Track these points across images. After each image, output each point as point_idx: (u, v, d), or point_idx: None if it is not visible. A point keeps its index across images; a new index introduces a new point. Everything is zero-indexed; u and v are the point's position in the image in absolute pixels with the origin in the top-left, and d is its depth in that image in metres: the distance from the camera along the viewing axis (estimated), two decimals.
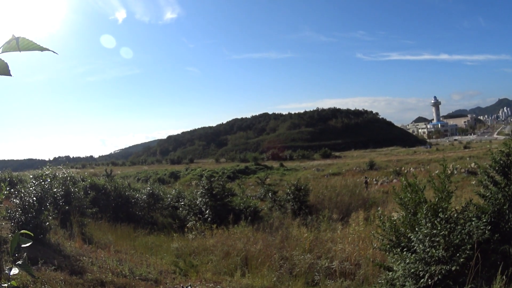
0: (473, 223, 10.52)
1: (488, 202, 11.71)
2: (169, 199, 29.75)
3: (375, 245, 13.32)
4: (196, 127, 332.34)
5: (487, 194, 11.91)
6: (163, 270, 14.04)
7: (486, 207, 11.51)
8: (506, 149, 12.23)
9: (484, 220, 10.72)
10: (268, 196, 30.36)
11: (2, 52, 1.70)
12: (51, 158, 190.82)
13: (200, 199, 25.70)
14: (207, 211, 24.63)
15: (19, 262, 2.15)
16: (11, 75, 1.74)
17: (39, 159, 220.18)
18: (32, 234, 2.24)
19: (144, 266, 14.00)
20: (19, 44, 1.69)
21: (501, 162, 12.08)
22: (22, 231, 2.21)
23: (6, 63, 1.73)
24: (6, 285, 2.33)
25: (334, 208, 25.43)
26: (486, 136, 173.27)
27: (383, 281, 11.38)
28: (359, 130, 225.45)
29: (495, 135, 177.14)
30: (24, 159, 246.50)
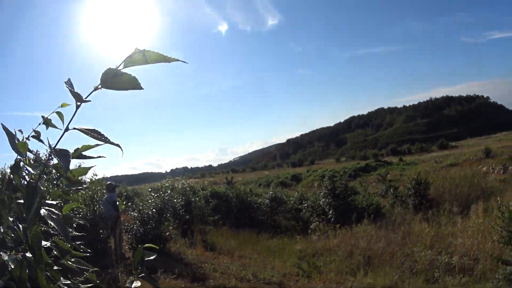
0: None
1: None
2: (292, 202, 29.84)
3: (494, 238, 13.18)
4: (315, 129, 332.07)
5: None
6: (286, 273, 14.38)
7: None
8: None
9: None
10: (389, 192, 30.18)
11: (124, 67, 1.74)
12: (168, 171, 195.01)
13: (323, 199, 25.82)
14: (330, 211, 24.71)
15: (142, 274, 2.29)
16: (142, 88, 1.81)
17: (155, 172, 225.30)
18: (156, 247, 2.37)
19: (267, 270, 14.41)
20: (147, 57, 1.73)
21: None
22: (146, 245, 2.34)
23: (135, 77, 1.77)
24: None
25: (453, 201, 24.96)
26: None
27: (500, 276, 10.91)
28: (473, 116, 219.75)
29: None
30: (139, 173, 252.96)
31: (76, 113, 1.85)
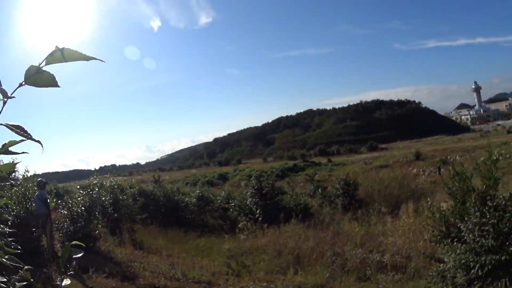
0: None
1: None
2: (219, 201, 29.71)
3: (426, 237, 13.45)
4: (242, 128, 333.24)
5: None
6: (215, 272, 14.30)
7: None
8: None
9: None
10: (317, 192, 30.33)
11: (46, 64, 1.75)
12: (97, 168, 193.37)
13: (250, 199, 25.70)
14: (258, 211, 24.52)
15: (71, 272, 2.16)
16: (59, 86, 1.81)
17: (84, 169, 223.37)
18: (83, 245, 2.27)
19: (196, 269, 14.30)
20: (64, 55, 1.75)
21: None
22: (73, 242, 2.23)
23: (53, 75, 1.78)
24: None
25: (383, 201, 25.32)
26: None
27: (434, 273, 11.32)
28: (403, 120, 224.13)
29: None
30: (69, 171, 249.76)
31: (3, 109, 1.86)
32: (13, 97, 1.78)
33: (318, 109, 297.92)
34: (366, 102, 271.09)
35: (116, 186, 22.57)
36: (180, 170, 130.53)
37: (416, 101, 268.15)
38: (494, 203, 10.43)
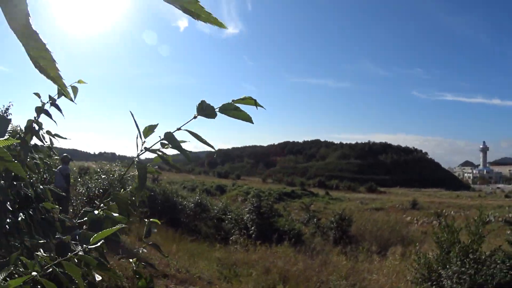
0: (497, 266, 11.53)
1: None
2: (216, 211, 30.05)
3: (408, 278, 14.31)
4: (247, 145, 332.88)
5: None
6: (212, 274, 14.91)
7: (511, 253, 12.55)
8: None
9: (508, 265, 11.70)
10: (312, 221, 30.76)
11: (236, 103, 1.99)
12: (96, 152, 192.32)
13: (247, 215, 26.11)
14: (253, 228, 25.04)
15: (150, 242, 2.56)
16: (253, 123, 2.06)
17: (83, 151, 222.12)
18: (159, 222, 2.65)
19: (197, 268, 14.90)
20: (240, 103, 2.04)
21: None
22: (151, 219, 2.63)
23: (249, 115, 2.04)
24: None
25: (373, 241, 25.59)
26: None
27: None
28: (407, 167, 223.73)
29: None
30: (69, 149, 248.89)
31: None
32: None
33: (325, 141, 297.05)
34: (374, 143, 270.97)
35: (129, 177, 23.14)
36: (179, 172, 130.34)
37: (423, 151, 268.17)
38: (475, 257, 11.60)
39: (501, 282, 11.46)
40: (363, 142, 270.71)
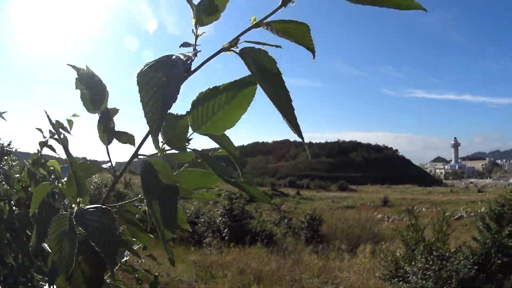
0: (461, 262, 12.27)
1: (478, 246, 13.37)
2: (188, 215, 29.61)
3: (377, 274, 14.90)
4: (214, 146, 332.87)
5: (479, 238, 13.59)
6: (189, 277, 15.27)
7: (476, 250, 13.16)
8: (501, 199, 13.93)
9: (471, 260, 12.52)
10: (283, 222, 31.06)
11: None
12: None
13: (220, 218, 26.50)
14: (226, 230, 25.41)
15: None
16: None
17: (48, 155, 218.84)
18: None
19: (176, 271, 15.26)
20: None
21: (496, 211, 13.72)
22: None
23: None
24: None
25: (344, 239, 25.96)
26: (502, 181, 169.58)
27: None
28: (378, 165, 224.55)
29: (510, 180, 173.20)
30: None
31: None
32: None
33: (295, 141, 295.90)
34: (344, 142, 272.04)
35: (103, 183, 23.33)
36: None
37: (394, 148, 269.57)
38: (439, 254, 12.33)
39: (465, 278, 12.12)
40: (333, 141, 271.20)
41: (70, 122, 2.59)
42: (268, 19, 1.15)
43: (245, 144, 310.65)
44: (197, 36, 1.24)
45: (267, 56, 1.14)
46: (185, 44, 1.19)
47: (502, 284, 12.37)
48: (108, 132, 1.34)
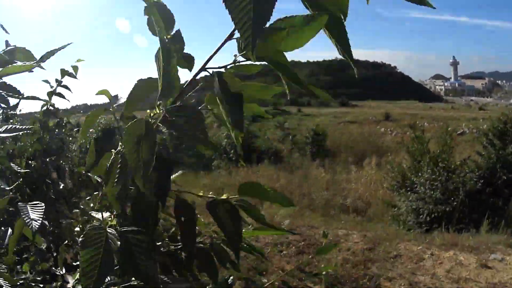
0: (467, 174, 12.85)
1: (483, 160, 13.72)
2: None
3: (385, 185, 15.35)
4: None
5: (484, 153, 13.92)
6: (201, 201, 15.70)
7: (481, 164, 13.56)
8: (504, 117, 14.24)
9: (477, 174, 13.10)
10: (287, 139, 31.45)
11: None
12: (69, 107, 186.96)
13: (226, 140, 25.98)
14: (232, 151, 25.26)
15: None
16: None
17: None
18: None
19: (188, 198, 15.65)
20: None
21: (499, 128, 14.03)
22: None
23: None
24: None
25: (349, 153, 26.72)
26: (502, 101, 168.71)
27: (390, 217, 13.73)
28: (377, 82, 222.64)
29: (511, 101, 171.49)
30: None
31: None
32: None
33: (292, 60, 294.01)
34: (341, 60, 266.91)
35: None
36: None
37: (392, 65, 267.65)
38: (445, 165, 12.74)
39: (472, 190, 12.55)
40: (331, 59, 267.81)
41: (75, 68, 2.67)
42: None
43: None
44: None
45: None
46: None
47: (509, 199, 12.73)
48: (180, 53, 1.42)
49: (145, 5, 1.31)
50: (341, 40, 1.24)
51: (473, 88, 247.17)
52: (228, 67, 1.36)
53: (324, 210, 15.36)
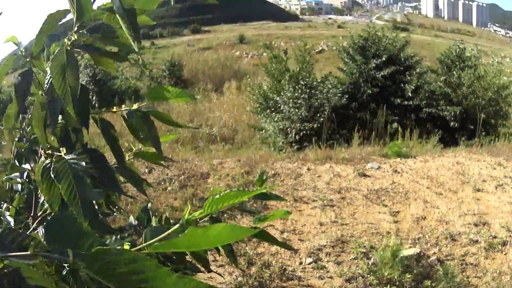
0: (330, 90, 13.07)
1: (346, 76, 14.01)
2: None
3: (248, 109, 15.36)
4: None
5: (345, 69, 14.21)
6: None
7: (344, 79, 13.88)
8: (365, 34, 14.61)
9: (340, 89, 13.49)
10: (144, 75, 31.09)
11: None
12: None
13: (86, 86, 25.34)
14: (94, 98, 24.78)
15: None
16: None
17: None
18: None
19: None
20: None
21: (360, 44, 14.33)
22: None
23: None
24: None
25: (208, 80, 26.77)
26: (363, 19, 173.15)
27: (258, 141, 13.88)
28: (229, 4, 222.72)
29: (373, 19, 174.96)
30: None
31: None
32: None
33: None
34: None
35: None
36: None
37: None
38: (306, 83, 12.94)
39: (337, 106, 12.70)
40: None
41: None
42: None
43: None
44: None
45: None
46: None
47: (376, 112, 13.07)
48: None
49: None
50: None
51: (331, 6, 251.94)
52: None
53: (193, 143, 15.20)
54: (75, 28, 1.41)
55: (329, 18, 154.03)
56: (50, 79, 1.36)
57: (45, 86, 1.41)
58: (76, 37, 1.41)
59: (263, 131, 13.83)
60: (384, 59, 14.26)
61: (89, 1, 1.37)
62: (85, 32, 1.46)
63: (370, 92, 13.84)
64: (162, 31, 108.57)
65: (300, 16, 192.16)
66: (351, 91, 13.96)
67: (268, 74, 14.35)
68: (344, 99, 13.22)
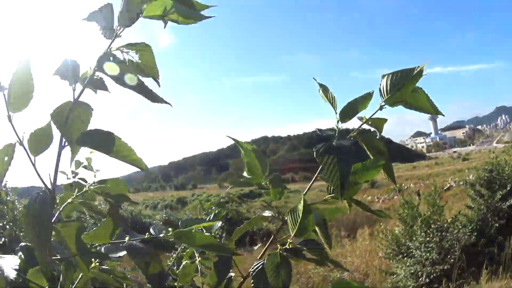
0: (460, 230, 12.74)
1: (474, 212, 13.77)
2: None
3: (380, 255, 15.29)
4: (197, 153, 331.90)
5: (473, 206, 13.98)
6: None
7: (472, 217, 13.58)
8: (489, 166, 14.33)
9: (470, 228, 13.06)
10: (275, 218, 31.61)
11: None
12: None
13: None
14: (224, 235, 25.21)
15: None
16: None
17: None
18: None
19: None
20: None
21: (485, 177, 14.09)
22: None
23: None
24: None
25: (341, 226, 26.51)
26: (485, 146, 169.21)
27: (389, 285, 13.65)
28: (357, 147, 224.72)
29: (494, 144, 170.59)
30: None
31: None
32: None
33: (273, 136, 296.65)
34: (321, 130, 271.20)
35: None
36: (136, 192, 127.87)
37: (372, 129, 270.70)
38: (437, 226, 12.71)
39: (466, 244, 12.56)
40: (311, 131, 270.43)
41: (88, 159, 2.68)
42: None
43: (225, 147, 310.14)
44: None
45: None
46: None
47: (503, 245, 12.77)
48: None
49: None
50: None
51: (455, 139, 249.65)
52: None
53: (322, 287, 15.16)
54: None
55: (454, 152, 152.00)
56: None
57: None
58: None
59: (394, 275, 13.62)
60: (508, 188, 13.94)
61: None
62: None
63: (497, 225, 13.54)
64: (294, 175, 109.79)
65: (427, 154, 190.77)
66: (479, 227, 13.72)
67: (401, 220, 14.38)
68: (473, 237, 13.00)
